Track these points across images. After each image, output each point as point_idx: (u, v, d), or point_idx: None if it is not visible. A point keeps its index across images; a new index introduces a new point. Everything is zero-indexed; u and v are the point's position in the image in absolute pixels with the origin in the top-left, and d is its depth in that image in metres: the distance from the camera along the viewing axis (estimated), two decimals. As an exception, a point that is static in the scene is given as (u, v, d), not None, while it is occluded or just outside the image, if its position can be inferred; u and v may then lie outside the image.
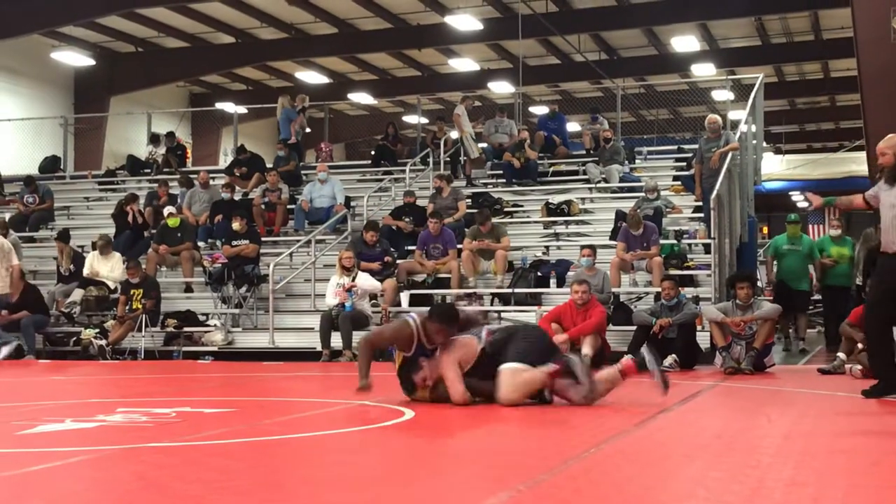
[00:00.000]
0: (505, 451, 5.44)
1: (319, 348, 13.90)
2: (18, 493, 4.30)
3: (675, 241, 15.35)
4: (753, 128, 17.63)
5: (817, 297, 18.12)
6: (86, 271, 16.01)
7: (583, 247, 14.23)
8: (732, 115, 20.18)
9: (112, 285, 15.85)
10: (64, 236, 16.67)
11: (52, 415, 7.17)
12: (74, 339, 15.29)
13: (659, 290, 12.79)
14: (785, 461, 5.04)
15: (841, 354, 11.04)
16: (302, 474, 4.81)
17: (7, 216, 19.21)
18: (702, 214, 15.79)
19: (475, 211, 16.45)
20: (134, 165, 22.74)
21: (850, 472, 4.81)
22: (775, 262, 15.60)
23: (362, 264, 14.53)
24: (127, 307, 15.02)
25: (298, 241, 16.85)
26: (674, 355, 11.59)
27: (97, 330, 14.89)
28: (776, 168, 33.84)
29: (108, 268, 16.01)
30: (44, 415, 7.17)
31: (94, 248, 16.51)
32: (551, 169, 19.83)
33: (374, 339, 8.04)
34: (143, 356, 14.73)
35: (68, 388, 10.95)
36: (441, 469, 4.93)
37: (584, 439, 5.71)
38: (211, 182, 19.12)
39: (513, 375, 7.29)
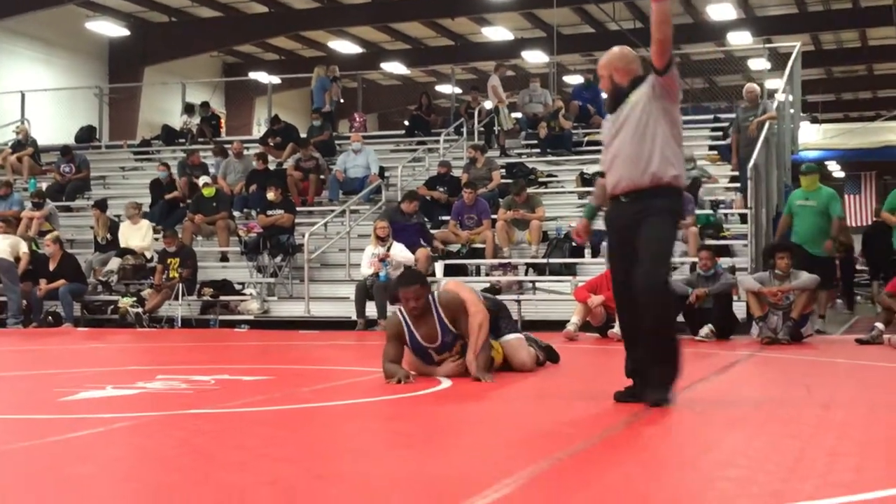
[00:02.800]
0: (543, 421, 5.45)
1: (354, 317, 13.97)
2: (65, 458, 4.35)
3: (711, 211, 15.26)
4: (790, 97, 17.48)
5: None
6: (121, 241, 16.15)
7: None
8: (769, 84, 20.00)
9: (148, 255, 15.97)
10: (101, 205, 16.81)
11: (93, 382, 7.24)
12: (112, 307, 15.43)
13: (695, 260, 12.73)
14: (826, 431, 5.02)
15: (879, 324, 10.99)
16: (342, 442, 4.84)
17: (44, 186, 19.39)
18: (738, 184, 15.69)
19: (509, 181, 16.41)
20: (169, 135, 22.85)
21: (891, 442, 4.78)
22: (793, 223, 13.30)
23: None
24: (164, 276, 15.13)
25: (333, 210, 16.88)
26: (710, 325, 11.55)
27: (134, 298, 15.02)
28: (813, 137, 33.44)
29: (139, 236, 16.10)
30: (85, 382, 7.24)
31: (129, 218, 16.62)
32: (586, 139, 19.74)
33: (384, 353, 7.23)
34: (179, 324, 14.85)
35: (107, 355, 11.07)
36: (480, 438, 4.94)
37: (622, 408, 5.70)
38: (245, 152, 19.19)
39: (525, 346, 7.84)
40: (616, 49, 6.10)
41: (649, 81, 5.81)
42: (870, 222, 32.05)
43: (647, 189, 5.81)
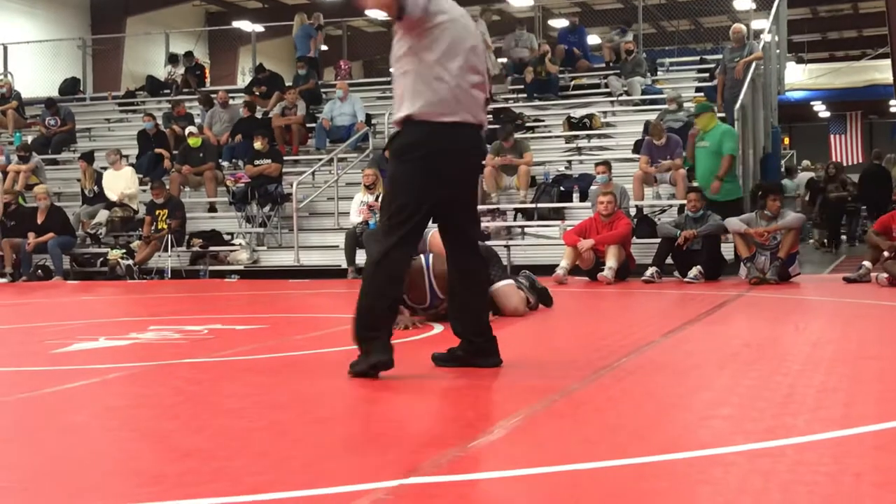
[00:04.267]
0: (536, 363, 5.49)
1: (344, 266, 13.99)
2: (61, 408, 4.38)
3: (698, 153, 15.24)
4: (776, 37, 17.42)
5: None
6: (107, 193, 16.09)
7: (597, 164, 14.12)
8: (755, 24, 19.91)
9: (135, 206, 15.94)
10: (88, 157, 16.73)
11: (86, 333, 7.27)
12: (101, 259, 15.42)
13: (683, 202, 12.76)
14: (815, 368, 5.07)
15: (866, 262, 11.07)
16: (339, 387, 4.87)
17: (29, 139, 19.28)
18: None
19: (496, 127, 16.37)
20: (153, 86, 22.68)
21: (880, 378, 4.84)
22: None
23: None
24: (152, 227, 15.12)
25: (320, 159, 16.84)
26: (698, 266, 11.61)
27: (124, 250, 15.01)
28: (798, 77, 33.41)
29: (123, 183, 16.03)
30: (77, 334, 7.26)
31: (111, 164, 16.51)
32: (572, 83, 19.66)
33: None
34: (169, 276, 14.87)
35: (98, 307, 11.08)
36: (475, 381, 4.97)
37: (614, 350, 5.75)
38: (230, 101, 19.08)
39: (516, 292, 7.95)
40: None
41: None
42: (858, 162, 32.15)
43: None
